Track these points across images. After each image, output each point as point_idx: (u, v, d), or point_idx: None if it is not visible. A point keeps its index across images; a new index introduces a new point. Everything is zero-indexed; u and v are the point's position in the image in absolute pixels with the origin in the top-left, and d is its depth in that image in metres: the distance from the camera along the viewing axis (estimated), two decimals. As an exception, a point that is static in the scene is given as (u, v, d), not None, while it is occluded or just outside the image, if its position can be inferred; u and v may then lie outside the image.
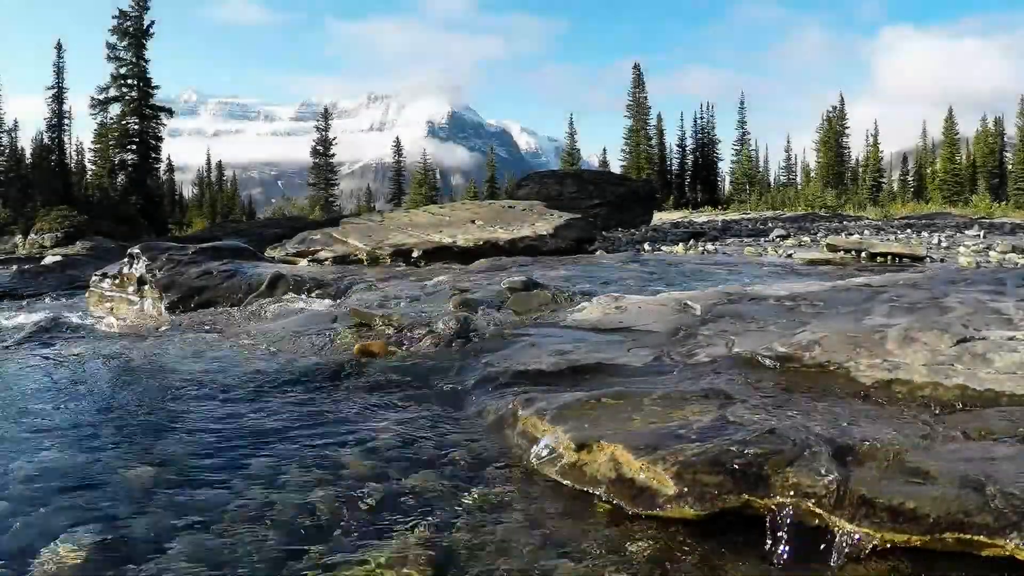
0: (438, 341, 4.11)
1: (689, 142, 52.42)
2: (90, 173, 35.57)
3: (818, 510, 1.79)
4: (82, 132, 40.50)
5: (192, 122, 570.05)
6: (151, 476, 2.32)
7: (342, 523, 2.00)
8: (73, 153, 36.44)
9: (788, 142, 56.88)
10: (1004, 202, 37.07)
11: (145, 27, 31.92)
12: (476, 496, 2.15)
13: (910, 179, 53.99)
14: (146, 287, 7.24)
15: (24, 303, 8.82)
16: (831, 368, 2.86)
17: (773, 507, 1.84)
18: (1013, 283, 5.03)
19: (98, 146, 33.90)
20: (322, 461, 2.43)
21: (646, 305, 4.54)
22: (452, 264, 8.82)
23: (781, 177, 55.55)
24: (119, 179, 32.45)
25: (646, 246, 12.10)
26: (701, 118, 52.62)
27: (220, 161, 64.51)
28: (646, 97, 49.26)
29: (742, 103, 52.69)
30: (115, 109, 32.38)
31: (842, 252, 8.93)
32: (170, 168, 46.47)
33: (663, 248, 11.64)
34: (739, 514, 1.88)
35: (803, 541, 1.78)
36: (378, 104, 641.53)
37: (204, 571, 1.77)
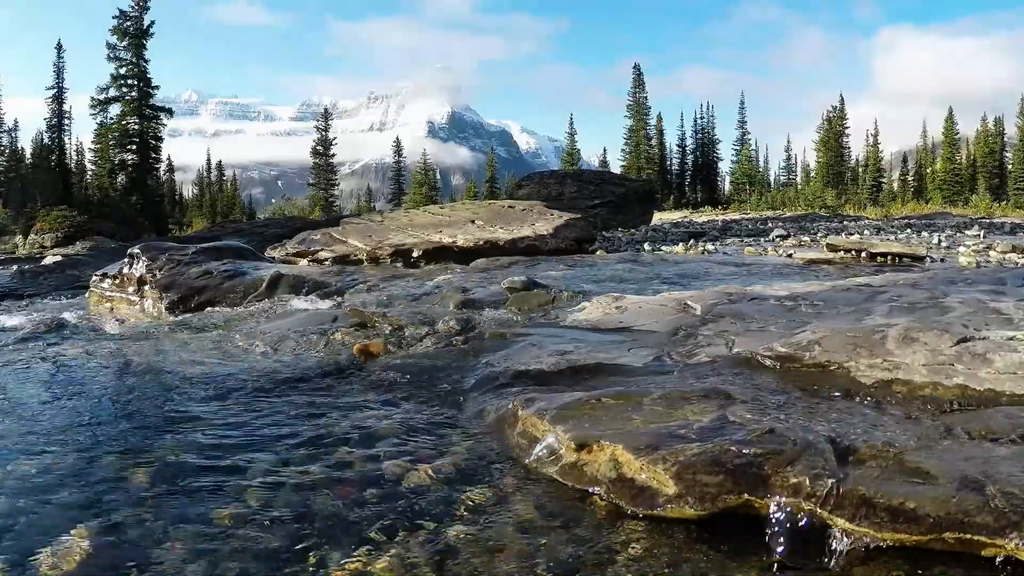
0: (438, 341, 4.11)
1: (689, 142, 52.49)
2: (90, 173, 35.56)
3: (818, 510, 1.79)
4: (82, 132, 40.51)
5: (192, 122, 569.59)
6: (151, 476, 2.32)
7: (342, 523, 2.00)
8: (73, 153, 36.46)
9: (788, 142, 56.99)
10: (1004, 202, 37.07)
11: (145, 27, 31.90)
12: (476, 496, 2.15)
13: (910, 179, 53.96)
14: (146, 287, 7.24)
15: (24, 303, 8.82)
16: (831, 368, 2.86)
17: (773, 507, 1.84)
18: (1013, 283, 5.03)
19: (98, 146, 33.89)
20: (322, 461, 2.43)
21: (646, 305, 4.54)
22: (452, 264, 8.82)
23: (781, 177, 55.60)
24: (119, 179, 32.44)
25: (646, 246, 12.10)
26: (701, 118, 52.69)
27: (220, 161, 64.47)
28: (646, 97, 49.30)
29: (742, 103, 52.76)
30: (115, 109, 32.40)
31: (842, 252, 8.93)
32: (170, 168, 46.42)
33: (663, 248, 11.64)
34: (739, 514, 1.88)
35: (803, 541, 1.78)
36: (378, 104, 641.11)
37: (204, 571, 1.77)
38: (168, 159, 43.63)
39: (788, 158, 55.71)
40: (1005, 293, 4.31)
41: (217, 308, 6.45)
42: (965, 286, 4.78)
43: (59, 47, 32.59)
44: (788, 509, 1.82)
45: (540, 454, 2.33)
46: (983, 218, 22.80)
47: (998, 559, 1.64)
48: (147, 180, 32.95)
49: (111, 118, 32.47)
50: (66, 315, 6.39)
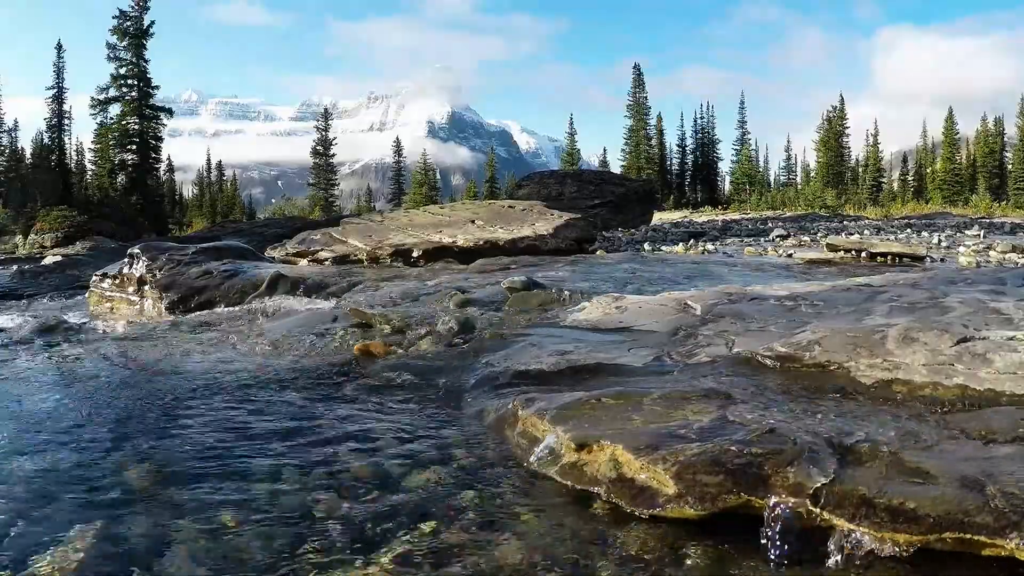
0: (438, 341, 4.11)
1: (689, 142, 52.53)
2: (90, 173, 35.59)
3: (818, 510, 1.79)
4: (82, 132, 40.59)
5: (192, 122, 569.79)
6: (151, 476, 2.32)
7: (342, 523, 2.00)
8: (73, 153, 36.50)
9: (788, 142, 57.04)
10: (1004, 202, 37.08)
11: (145, 27, 31.93)
12: (476, 496, 2.15)
13: (910, 179, 53.98)
14: (146, 287, 7.24)
15: (24, 303, 8.82)
16: (831, 368, 2.86)
17: (773, 507, 1.84)
18: (1013, 283, 5.03)
19: (98, 146, 33.92)
20: (322, 461, 2.43)
21: (646, 305, 4.54)
22: (452, 264, 8.81)
23: (781, 177, 55.64)
24: (119, 179, 32.47)
25: (646, 246, 12.09)
26: (701, 118, 52.74)
27: (220, 161, 64.51)
28: (646, 97, 49.35)
29: (742, 103, 52.80)
30: (115, 109, 32.44)
31: (842, 252, 8.92)
32: (170, 168, 46.44)
33: (663, 248, 11.63)
34: (739, 514, 1.88)
35: (803, 541, 1.78)
36: (378, 104, 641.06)
37: (204, 571, 1.77)
38: (168, 159, 43.67)
39: (788, 158, 55.83)
40: (1005, 293, 4.31)
41: (217, 308, 6.46)
42: (965, 286, 4.78)
43: (59, 47, 32.66)
44: (788, 509, 1.82)
45: (540, 454, 2.34)
46: (983, 218, 22.80)
47: (998, 559, 1.64)
48: (147, 180, 32.97)
49: (111, 118, 32.52)
50: (66, 315, 6.40)
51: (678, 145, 52.72)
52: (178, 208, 46.83)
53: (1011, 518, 1.63)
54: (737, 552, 1.82)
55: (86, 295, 7.96)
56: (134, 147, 32.19)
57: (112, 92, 32.07)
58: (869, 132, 51.13)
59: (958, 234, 13.57)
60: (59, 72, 32.57)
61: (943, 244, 11.28)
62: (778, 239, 13.26)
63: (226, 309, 6.33)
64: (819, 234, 13.96)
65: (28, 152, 36.53)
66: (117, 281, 7.55)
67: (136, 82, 31.89)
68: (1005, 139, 48.71)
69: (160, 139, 33.57)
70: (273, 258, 9.87)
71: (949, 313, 3.54)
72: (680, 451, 2.05)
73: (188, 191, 60.42)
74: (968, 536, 1.64)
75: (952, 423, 2.26)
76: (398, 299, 5.89)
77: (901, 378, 2.66)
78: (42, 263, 14.40)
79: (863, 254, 8.73)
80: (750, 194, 45.67)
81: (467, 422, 2.82)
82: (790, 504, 1.82)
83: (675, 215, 30.25)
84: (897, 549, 1.70)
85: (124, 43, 31.69)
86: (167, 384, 3.53)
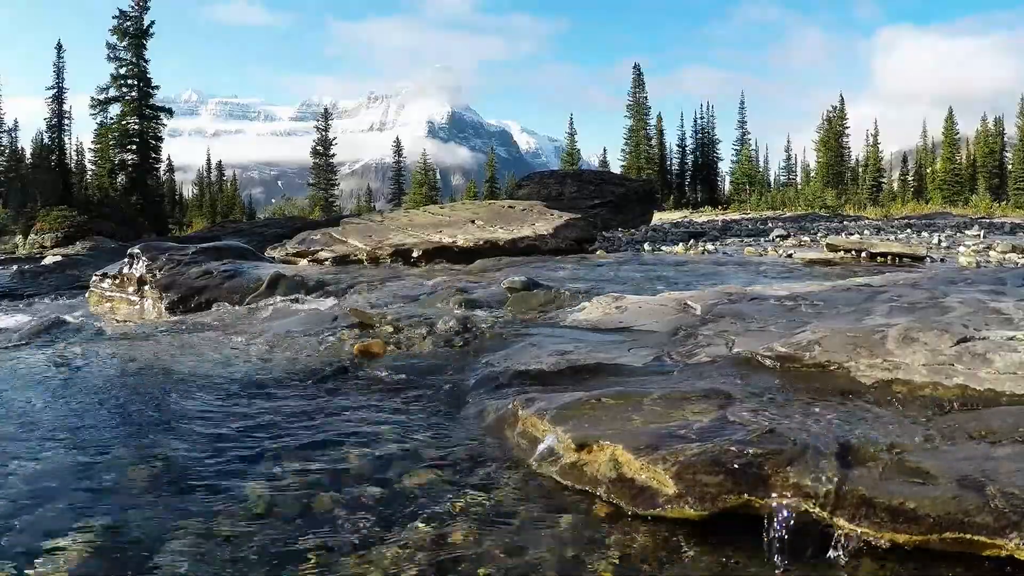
0: (438, 341, 4.11)
1: (689, 142, 52.52)
2: (90, 173, 35.58)
3: (818, 510, 1.79)
4: (82, 132, 40.59)
5: (192, 122, 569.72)
6: (151, 476, 2.32)
7: (342, 523, 2.00)
8: (73, 153, 36.47)
9: (788, 142, 57.00)
10: (1004, 202, 37.07)
11: (145, 27, 31.91)
12: (476, 496, 2.15)
13: (910, 179, 53.97)
14: (146, 287, 7.24)
15: (24, 303, 8.82)
16: (831, 368, 2.86)
17: (773, 507, 1.84)
18: (1013, 283, 5.03)
19: (98, 146, 33.91)
20: (322, 461, 2.43)
21: (646, 305, 4.54)
22: (452, 264, 8.81)
23: (781, 177, 55.62)
24: (119, 179, 32.45)
25: (646, 246, 12.08)
26: (701, 118, 52.73)
27: (220, 161, 64.48)
28: (646, 97, 49.33)
29: (742, 103, 52.79)
30: (115, 109, 32.41)
31: (842, 252, 8.92)
32: (170, 168, 46.39)
33: (663, 248, 11.62)
34: (739, 514, 1.88)
35: (803, 541, 1.78)
36: (378, 104, 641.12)
37: (204, 571, 1.77)
38: (168, 159, 43.62)
39: (788, 158, 55.81)
40: (1005, 293, 4.31)
41: (217, 308, 6.45)
42: (965, 286, 4.78)
43: (59, 47, 32.63)
44: (788, 509, 1.82)
45: (540, 454, 2.34)
46: (983, 218, 22.79)
47: (998, 559, 1.64)
48: (147, 180, 32.95)
49: (111, 118, 32.49)
50: (66, 315, 6.39)
51: (678, 145, 52.76)
52: (178, 208, 46.79)
53: (1011, 518, 1.63)
54: (737, 552, 1.82)
55: (86, 295, 7.96)
56: (134, 147, 32.17)
57: (112, 92, 32.06)
58: (869, 132, 51.16)
59: (958, 234, 13.56)
60: (59, 72, 32.57)
61: (943, 244, 11.27)
62: (778, 239, 13.25)
63: (226, 309, 6.33)
64: (819, 234, 13.94)
65: (28, 152, 36.53)
66: (117, 281, 7.55)
67: (136, 82, 31.87)
68: (1005, 139, 48.68)
69: (160, 139, 33.55)
70: (273, 258, 9.87)
71: (949, 313, 3.54)
72: (680, 451, 2.05)
73: (188, 191, 60.38)
74: (968, 536, 1.64)
75: (952, 423, 2.26)
76: (398, 299, 5.89)
77: (901, 378, 2.66)
78: (42, 263, 14.39)
79: (863, 254, 8.72)
80: (750, 194, 45.65)
81: (467, 422, 2.82)
82: (790, 504, 1.82)
83: (675, 215, 30.24)
84: (897, 549, 1.70)
85: (124, 43, 31.66)
86: (167, 384, 3.53)
